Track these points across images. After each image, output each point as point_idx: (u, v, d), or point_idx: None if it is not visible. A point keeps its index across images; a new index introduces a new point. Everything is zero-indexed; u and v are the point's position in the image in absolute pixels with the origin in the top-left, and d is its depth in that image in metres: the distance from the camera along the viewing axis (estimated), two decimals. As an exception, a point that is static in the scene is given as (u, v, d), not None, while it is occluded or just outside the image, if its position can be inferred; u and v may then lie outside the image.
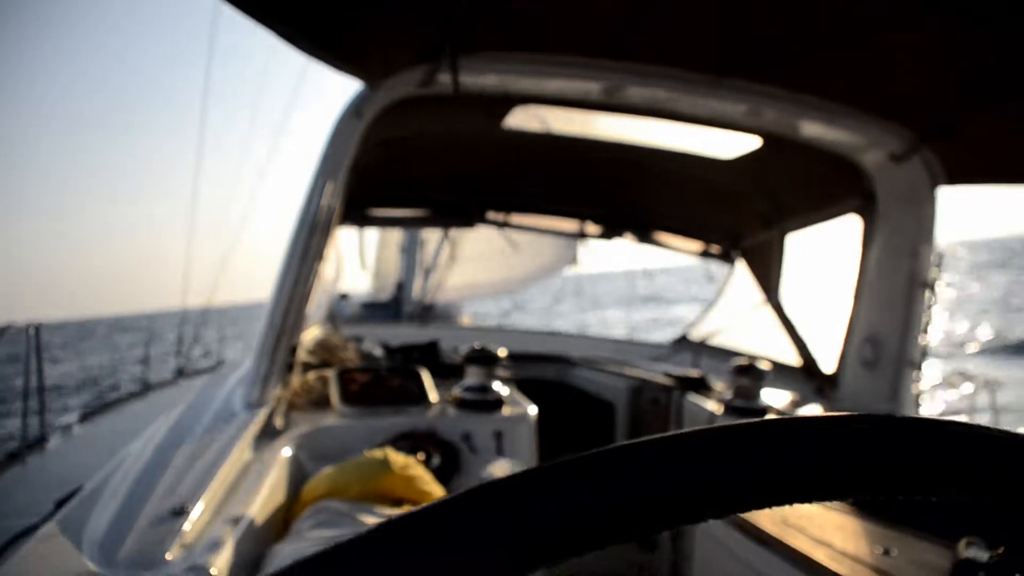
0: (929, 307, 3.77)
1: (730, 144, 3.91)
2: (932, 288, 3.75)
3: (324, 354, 3.65)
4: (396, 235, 10.89)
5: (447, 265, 9.18)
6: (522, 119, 3.69)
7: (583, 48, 3.06)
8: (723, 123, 3.62)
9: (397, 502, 2.48)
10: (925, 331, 3.79)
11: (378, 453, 2.59)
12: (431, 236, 10.03)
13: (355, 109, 2.95)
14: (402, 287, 10.04)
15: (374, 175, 4.42)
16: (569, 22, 2.96)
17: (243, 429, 2.48)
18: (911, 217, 3.76)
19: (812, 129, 3.61)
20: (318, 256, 2.96)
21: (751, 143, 3.85)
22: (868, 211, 3.96)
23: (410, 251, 10.20)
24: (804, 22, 2.82)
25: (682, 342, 5.81)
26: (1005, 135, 3.31)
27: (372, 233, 12.96)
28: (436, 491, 2.64)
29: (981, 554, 1.76)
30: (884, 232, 3.91)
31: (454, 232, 8.86)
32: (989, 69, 2.85)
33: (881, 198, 3.90)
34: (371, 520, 2.27)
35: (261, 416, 2.64)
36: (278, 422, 2.74)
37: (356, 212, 5.03)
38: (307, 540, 2.14)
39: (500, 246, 8.12)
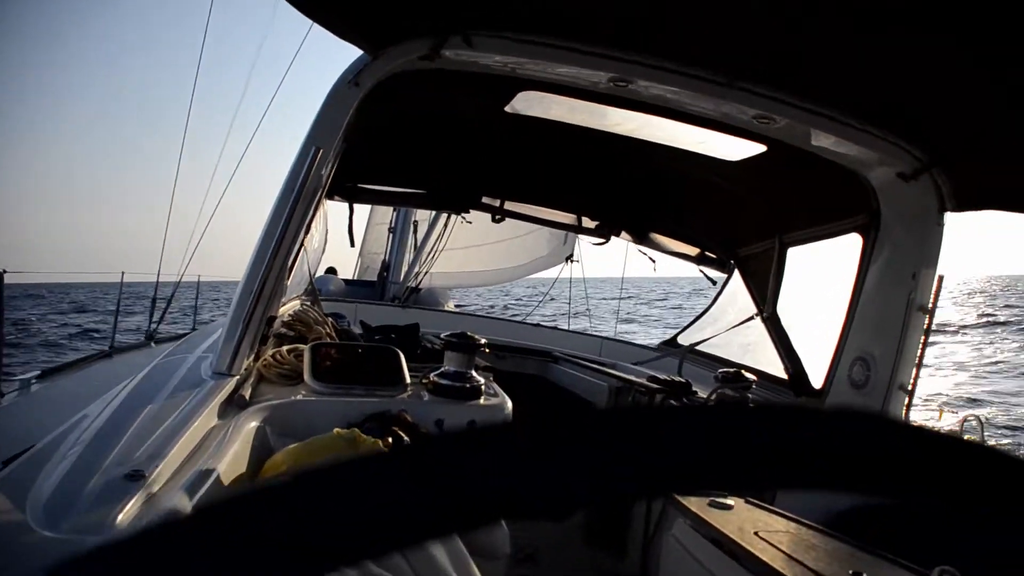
0: (926, 333, 3.70)
1: (736, 148, 3.82)
2: (931, 314, 3.68)
3: (301, 328, 3.55)
4: (388, 214, 10.77)
5: (437, 249, 9.06)
6: (526, 104, 3.59)
7: (595, 38, 2.96)
8: (731, 127, 3.53)
9: None
10: (920, 357, 3.72)
11: (346, 434, 2.50)
12: (423, 218, 9.91)
13: (353, 77, 2.83)
14: (389, 268, 9.91)
15: (369, 149, 4.32)
16: (583, 9, 2.87)
17: (208, 397, 2.39)
18: (915, 239, 3.69)
19: (820, 140, 3.52)
20: (301, 226, 2.85)
21: (757, 148, 3.77)
22: (871, 229, 3.89)
23: (399, 231, 10.07)
24: (820, 33, 2.73)
25: (670, 346, 5.73)
26: (1015, 163, 3.24)
27: (364, 209, 12.86)
28: None
29: None
30: (886, 252, 3.84)
31: (447, 217, 8.76)
32: (1004, 96, 2.78)
33: (885, 217, 3.82)
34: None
35: (229, 385, 2.55)
36: (246, 392, 2.64)
37: (347, 185, 4.92)
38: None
39: (495, 235, 8.03)
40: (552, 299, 9.01)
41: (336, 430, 2.52)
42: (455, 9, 2.79)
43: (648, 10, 2.79)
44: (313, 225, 3.74)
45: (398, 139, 4.37)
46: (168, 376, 2.68)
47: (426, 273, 9.16)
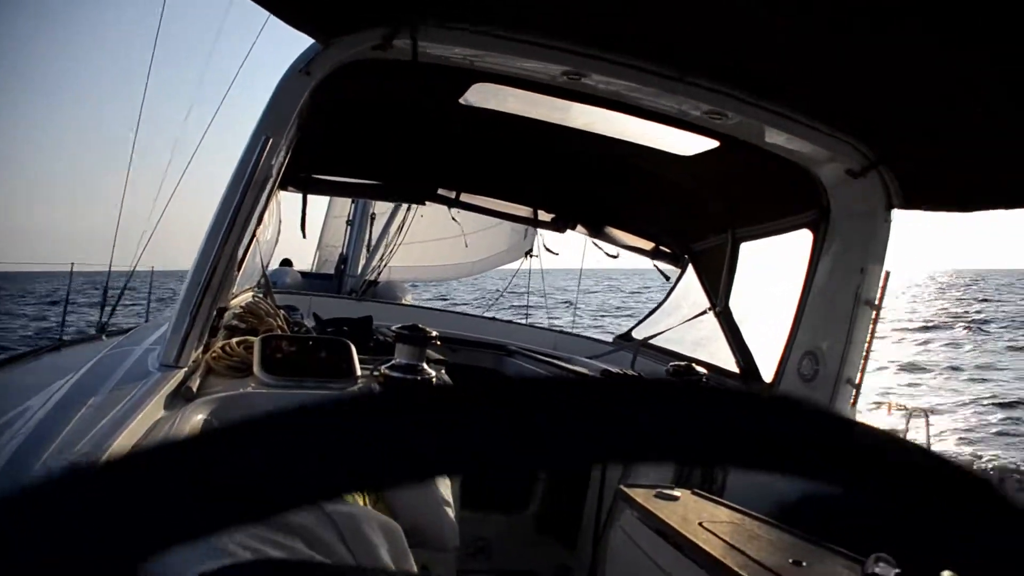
0: (873, 327, 3.76)
1: (689, 143, 3.86)
2: (877, 309, 3.74)
3: (252, 320, 3.51)
4: (346, 206, 10.73)
5: (395, 242, 9.05)
6: (481, 96, 3.58)
7: (548, 31, 2.96)
8: (683, 122, 3.56)
9: None
10: (867, 351, 3.79)
11: None
12: (382, 211, 9.88)
13: (304, 66, 2.80)
14: (346, 261, 9.88)
15: (323, 139, 4.28)
16: (536, 2, 2.87)
17: (154, 389, 2.34)
18: (863, 235, 3.74)
19: (771, 136, 3.57)
20: (251, 216, 2.82)
21: (709, 144, 3.80)
22: (821, 225, 3.94)
23: (357, 224, 10.04)
24: (770, 30, 2.76)
25: (625, 340, 5.77)
26: (961, 163, 3.30)
27: (321, 202, 12.78)
28: None
29: (888, 571, 1.76)
30: (834, 248, 3.90)
31: (405, 210, 8.75)
32: (951, 97, 2.83)
33: (835, 213, 3.88)
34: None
35: (176, 377, 2.51)
36: (194, 385, 2.60)
37: (300, 176, 4.88)
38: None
39: (455, 230, 8.02)
40: (528, 292, 8.99)
41: None
42: (406, 1, 2.78)
43: (600, 4, 2.80)
44: (266, 216, 3.70)
45: (353, 129, 4.34)
46: (113, 368, 2.63)
47: (384, 266, 9.13)
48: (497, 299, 9.77)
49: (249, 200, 2.70)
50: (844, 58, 2.86)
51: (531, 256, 8.92)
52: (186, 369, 2.61)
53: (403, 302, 9.25)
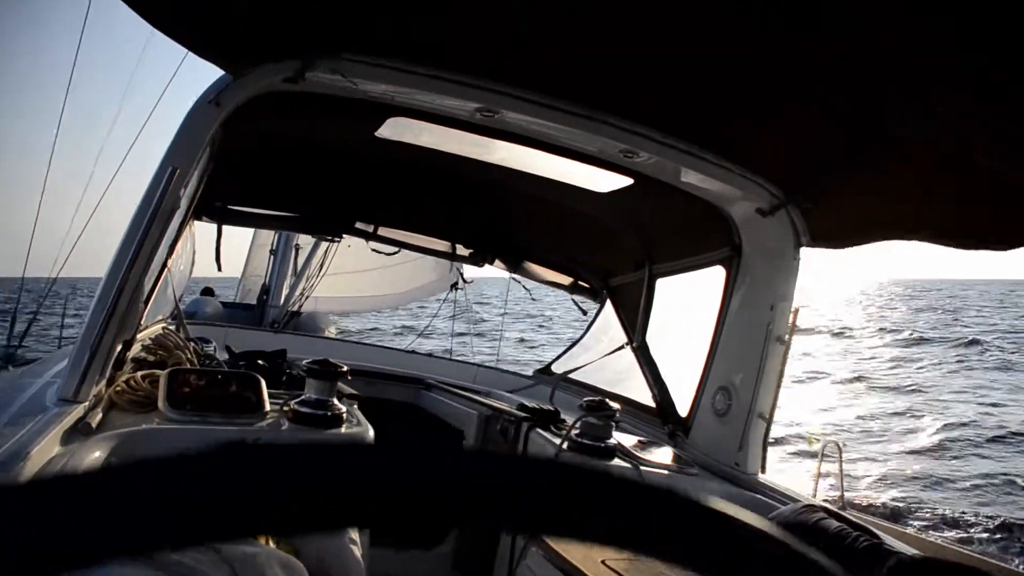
0: (783, 362, 3.84)
1: (604, 180, 3.92)
2: (788, 344, 3.82)
3: (162, 353, 3.43)
4: (270, 235, 10.60)
5: (317, 274, 8.96)
6: (396, 130, 3.58)
7: (461, 67, 2.99)
8: (598, 159, 3.61)
9: None
10: (778, 386, 3.87)
11: None
12: (306, 242, 9.79)
13: (213, 97, 2.77)
14: (268, 291, 9.74)
15: (238, 170, 4.23)
16: (449, 39, 2.89)
17: (50, 424, 2.27)
18: (773, 273, 3.83)
19: (684, 175, 3.64)
20: (157, 247, 2.76)
21: (624, 181, 3.87)
22: (733, 262, 4.03)
23: (280, 254, 9.91)
24: (680, 71, 2.83)
25: (544, 374, 5.79)
26: (866, 203, 3.41)
27: (247, 231, 12.60)
28: None
29: None
30: (746, 285, 3.98)
31: (329, 240, 8.68)
32: (851, 140, 2.93)
33: (746, 251, 3.97)
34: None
35: (75, 412, 2.43)
36: (93, 420, 2.52)
37: (216, 206, 4.81)
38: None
39: (382, 261, 7.98)
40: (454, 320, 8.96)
41: None
42: (318, 33, 2.77)
43: (513, 42, 2.83)
44: (178, 247, 3.63)
45: (269, 161, 4.30)
46: (9, 402, 2.55)
47: (306, 298, 9.02)
48: (422, 332, 9.70)
49: (155, 231, 2.65)
50: (753, 101, 2.95)
51: (457, 289, 8.90)
52: (86, 404, 2.54)
53: (325, 334, 9.15)
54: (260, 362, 3.76)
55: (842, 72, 2.47)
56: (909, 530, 3.91)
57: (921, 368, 29.62)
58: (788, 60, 2.51)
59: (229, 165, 3.81)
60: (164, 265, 3.32)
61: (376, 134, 3.59)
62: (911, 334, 40.57)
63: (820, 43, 2.35)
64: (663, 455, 3.86)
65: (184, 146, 2.74)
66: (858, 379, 27.02)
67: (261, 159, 4.24)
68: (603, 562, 2.27)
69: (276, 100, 3.01)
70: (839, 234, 3.67)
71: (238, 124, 3.04)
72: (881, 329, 43.85)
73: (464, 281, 8.41)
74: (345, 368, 3.03)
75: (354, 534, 2.76)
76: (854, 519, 3.08)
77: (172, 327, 4.07)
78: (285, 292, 9.58)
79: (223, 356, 3.91)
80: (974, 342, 36.74)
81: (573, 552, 2.36)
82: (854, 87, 2.54)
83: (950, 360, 31.38)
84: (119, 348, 2.87)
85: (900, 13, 2.06)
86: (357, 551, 2.73)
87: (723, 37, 2.50)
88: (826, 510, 3.15)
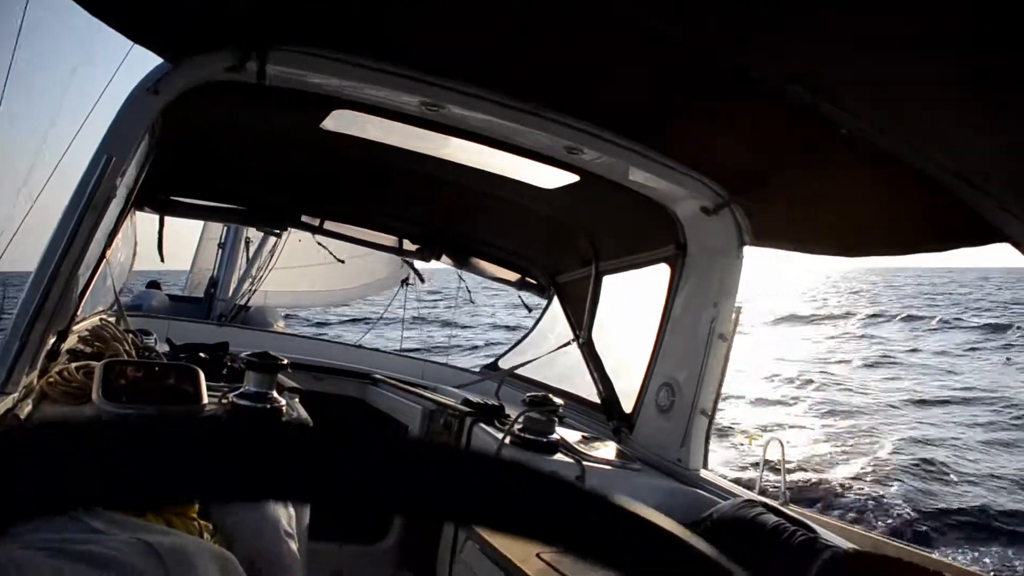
0: (726, 360, 3.89)
1: (550, 176, 3.93)
2: (730, 342, 3.87)
3: (99, 344, 3.37)
4: (219, 230, 10.47)
5: (266, 267, 8.87)
6: (341, 123, 3.55)
7: (405, 60, 2.97)
8: (543, 155, 3.62)
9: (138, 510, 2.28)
10: (720, 383, 3.92)
11: None
12: (256, 236, 9.68)
13: (152, 85, 2.72)
14: (216, 284, 9.62)
15: (181, 161, 4.17)
16: (394, 32, 2.88)
17: None
18: (717, 271, 3.88)
19: (629, 173, 3.66)
20: (91, 237, 2.70)
21: (570, 178, 3.88)
22: (678, 260, 4.07)
23: (228, 247, 9.79)
24: (625, 69, 2.85)
25: (491, 370, 5.80)
26: (807, 204, 3.47)
27: (196, 224, 12.44)
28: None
29: None
30: (691, 283, 4.02)
31: (278, 234, 8.60)
32: (796, 143, 2.97)
33: (691, 249, 4.01)
34: (103, 526, 2.07)
35: (3, 404, 2.37)
36: (22, 412, 2.47)
37: (159, 197, 4.73)
38: (17, 543, 1.93)
39: (331, 256, 7.91)
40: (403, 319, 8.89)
41: None
42: (261, 22, 2.74)
43: (458, 36, 2.83)
44: (118, 238, 3.57)
45: (213, 152, 4.24)
46: None
47: (255, 291, 8.93)
48: (370, 328, 9.65)
49: (89, 220, 2.59)
50: (697, 99, 2.98)
51: (407, 285, 8.86)
52: (15, 395, 2.48)
53: (276, 328, 9.05)
54: (201, 355, 3.71)
55: (787, 74, 2.51)
56: (852, 526, 3.98)
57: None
58: (731, 61, 2.54)
59: (172, 155, 3.75)
60: (102, 256, 3.26)
61: (321, 126, 3.56)
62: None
63: (764, 45, 2.38)
64: (606, 451, 3.89)
65: (121, 134, 2.69)
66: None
67: (205, 150, 4.18)
68: (538, 555, 2.29)
69: (219, 90, 2.97)
70: (783, 235, 3.72)
71: (181, 113, 2.99)
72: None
73: (419, 278, 8.37)
74: (285, 361, 3.00)
75: (290, 527, 2.73)
76: (793, 514, 3.13)
77: (111, 319, 4.00)
78: (233, 286, 9.47)
79: (164, 348, 3.86)
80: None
81: (509, 546, 2.37)
82: (799, 90, 2.57)
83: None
84: (52, 339, 2.81)
85: (845, 14, 2.10)
86: (293, 544, 2.70)
87: (665, 37, 2.52)
88: (765, 505, 3.20)
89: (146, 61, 2.81)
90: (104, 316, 4.02)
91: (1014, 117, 2.22)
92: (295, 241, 8.57)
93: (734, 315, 3.87)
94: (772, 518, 3.01)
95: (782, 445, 4.97)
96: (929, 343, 33.95)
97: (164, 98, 2.75)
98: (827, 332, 39.28)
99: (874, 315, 45.15)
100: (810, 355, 30.77)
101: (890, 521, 11.24)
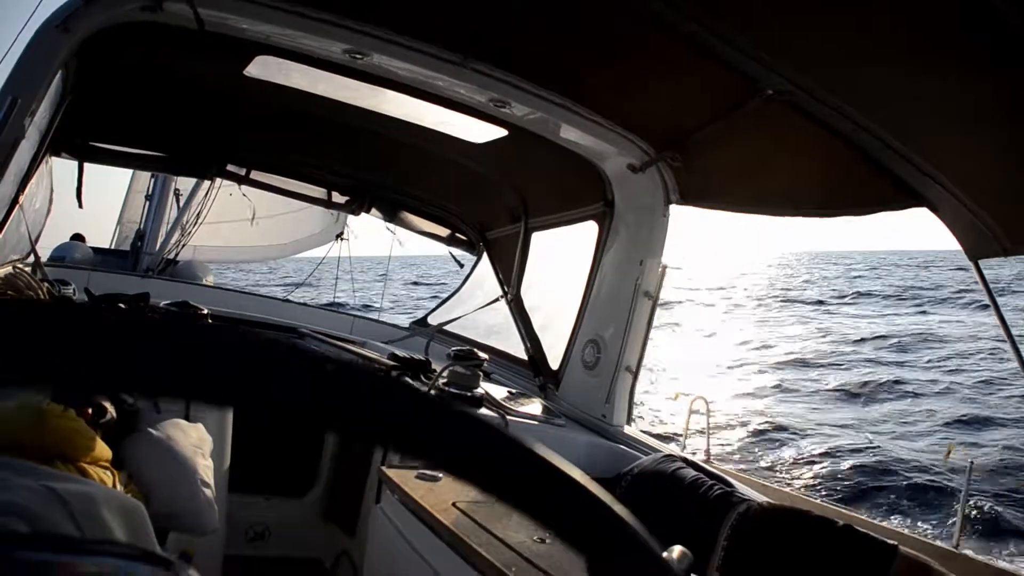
0: (651, 317, 3.94)
1: (478, 130, 3.90)
2: (655, 300, 3.92)
3: (11, 293, 3.28)
4: (147, 181, 10.20)
5: (196, 221, 8.66)
6: (264, 70, 3.46)
7: (329, 6, 2.90)
8: (471, 108, 3.59)
9: (47, 458, 2.24)
10: (645, 340, 3.97)
11: (32, 402, 2.34)
12: (186, 188, 9.45)
13: (61, 22, 2.61)
14: (143, 237, 9.37)
15: (101, 105, 4.03)
16: None
17: None
18: (643, 229, 3.91)
19: (557, 129, 3.66)
20: (0, 179, 2.61)
21: (498, 132, 3.86)
22: (606, 217, 4.09)
23: (156, 199, 9.54)
24: (553, 21, 2.83)
25: (421, 326, 5.78)
26: (733, 164, 3.51)
27: (123, 174, 12.12)
28: (98, 448, 2.42)
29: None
30: (618, 240, 4.05)
31: (208, 186, 8.40)
32: (722, 101, 2.99)
33: (618, 207, 4.03)
34: (7, 475, 2.03)
35: None
36: None
37: (76, 142, 4.58)
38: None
39: (265, 210, 7.76)
40: (337, 278, 8.77)
41: (21, 399, 2.36)
42: None
43: None
44: (31, 183, 3.45)
45: (134, 96, 4.10)
46: None
47: (183, 245, 8.74)
48: (300, 284, 9.51)
49: None
50: (626, 56, 2.97)
51: (341, 239, 8.75)
52: None
53: (204, 283, 8.89)
54: (120, 305, 3.63)
55: (717, 32, 2.52)
56: (770, 482, 4.11)
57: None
58: (662, 16, 2.54)
59: (91, 99, 3.63)
60: (15, 201, 3.16)
61: (245, 72, 3.48)
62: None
63: (698, 1, 2.39)
64: (532, 407, 3.93)
65: (28, 73, 2.59)
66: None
67: (125, 94, 4.04)
68: (454, 504, 2.30)
69: (139, 31, 2.88)
70: (708, 194, 3.76)
71: (97, 55, 2.90)
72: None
73: (349, 233, 8.27)
74: (206, 311, 2.95)
75: (207, 476, 2.71)
76: (711, 469, 3.21)
77: (27, 269, 3.88)
78: (161, 239, 9.25)
79: (82, 299, 3.76)
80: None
81: (427, 494, 2.38)
82: (729, 48, 2.59)
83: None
84: None
85: None
86: (210, 493, 2.69)
87: None
88: (685, 460, 3.27)
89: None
90: (19, 264, 3.91)
91: (940, 81, 2.27)
92: (226, 195, 8.40)
93: (660, 273, 3.91)
94: (691, 472, 3.08)
95: (706, 403, 5.08)
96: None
97: (75, 36, 2.64)
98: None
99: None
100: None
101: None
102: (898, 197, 2.84)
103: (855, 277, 58.98)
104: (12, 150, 2.57)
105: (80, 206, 4.89)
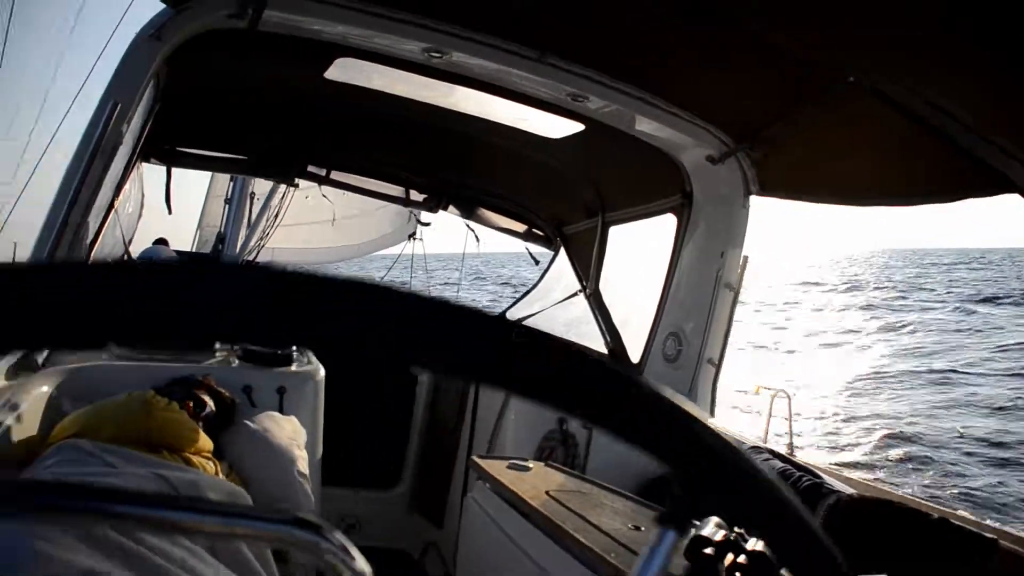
0: (732, 310, 3.91)
1: (555, 125, 3.91)
2: (736, 292, 3.89)
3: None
4: (225, 186, 10.44)
5: (273, 223, 8.83)
6: (345, 72, 3.53)
7: (408, 6, 2.94)
8: (548, 104, 3.61)
9: (154, 447, 2.33)
10: (727, 332, 3.94)
11: (139, 395, 2.44)
12: (262, 192, 9.64)
13: (154, 30, 2.71)
14: (223, 241, 9.59)
15: (187, 111, 4.15)
16: None
17: None
18: (723, 220, 3.88)
19: (634, 121, 3.65)
20: (101, 184, 2.72)
21: (575, 127, 3.87)
22: (684, 209, 4.07)
23: (235, 202, 9.75)
24: (631, 15, 2.83)
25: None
26: (814, 154, 3.46)
27: (202, 179, 12.40)
28: (200, 440, 2.51)
29: (717, 532, 1.85)
30: (697, 232, 4.03)
31: (283, 190, 8.55)
32: (803, 92, 2.96)
33: (697, 198, 4.01)
34: (119, 463, 2.12)
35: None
36: (40, 357, 2.52)
37: (164, 148, 4.72)
38: (44, 476, 1.98)
39: (340, 212, 7.88)
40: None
41: (130, 393, 2.46)
42: None
43: None
44: (125, 188, 3.58)
45: (219, 102, 4.21)
46: None
47: (261, 248, 8.92)
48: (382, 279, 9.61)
49: (97, 167, 2.61)
50: (703, 46, 2.96)
51: (414, 239, 8.84)
52: None
53: None
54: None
55: (796, 20, 2.49)
56: (857, 475, 4.04)
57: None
58: (739, 5, 2.52)
59: (178, 106, 3.74)
60: (111, 205, 3.28)
61: (325, 75, 3.55)
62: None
63: None
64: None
65: (125, 80, 2.69)
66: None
67: (211, 100, 4.16)
68: (547, 493, 2.32)
69: (223, 38, 2.96)
70: (789, 185, 3.71)
71: (186, 62, 2.99)
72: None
73: (421, 224, 8.33)
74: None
75: (303, 468, 2.79)
76: (798, 461, 3.17)
77: None
78: (240, 242, 9.44)
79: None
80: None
81: (520, 484, 2.40)
82: (808, 36, 2.56)
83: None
84: None
85: None
86: (308, 485, 2.76)
87: None
88: (772, 452, 3.24)
89: (152, 9, 2.80)
90: None
91: (1018, 68, 2.21)
92: (301, 198, 8.55)
93: (741, 265, 3.88)
94: (778, 463, 3.05)
95: (789, 397, 5.01)
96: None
97: (167, 45, 2.74)
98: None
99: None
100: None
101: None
102: (986, 183, 2.77)
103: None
104: (112, 155, 2.68)
105: (169, 212, 5.02)
